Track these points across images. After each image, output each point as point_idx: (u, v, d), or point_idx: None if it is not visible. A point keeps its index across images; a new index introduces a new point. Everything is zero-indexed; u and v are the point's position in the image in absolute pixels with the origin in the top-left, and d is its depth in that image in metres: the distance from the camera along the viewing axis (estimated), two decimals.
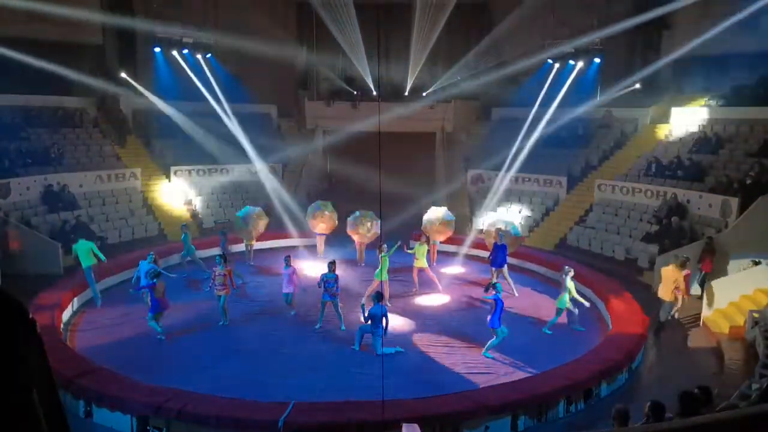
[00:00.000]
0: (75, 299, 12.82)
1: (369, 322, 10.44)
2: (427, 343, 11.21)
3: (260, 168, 21.13)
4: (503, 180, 20.31)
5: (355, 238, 16.44)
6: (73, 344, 10.79)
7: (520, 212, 19.79)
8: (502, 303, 10.28)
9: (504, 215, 18.63)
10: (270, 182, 20.76)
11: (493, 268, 13.90)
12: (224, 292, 11.69)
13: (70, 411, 8.30)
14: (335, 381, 9.56)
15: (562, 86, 20.88)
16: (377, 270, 12.75)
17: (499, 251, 13.80)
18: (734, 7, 16.76)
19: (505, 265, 13.91)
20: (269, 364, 10.20)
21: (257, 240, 16.86)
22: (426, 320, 12.43)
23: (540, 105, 21.15)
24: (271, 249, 17.76)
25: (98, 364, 9.36)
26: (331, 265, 11.76)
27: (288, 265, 12.46)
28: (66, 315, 12.09)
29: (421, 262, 13.97)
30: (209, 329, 11.70)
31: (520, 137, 20.41)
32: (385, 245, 13.00)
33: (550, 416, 8.66)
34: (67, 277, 13.96)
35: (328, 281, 11.56)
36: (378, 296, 10.53)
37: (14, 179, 16.39)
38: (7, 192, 16.04)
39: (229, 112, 21.31)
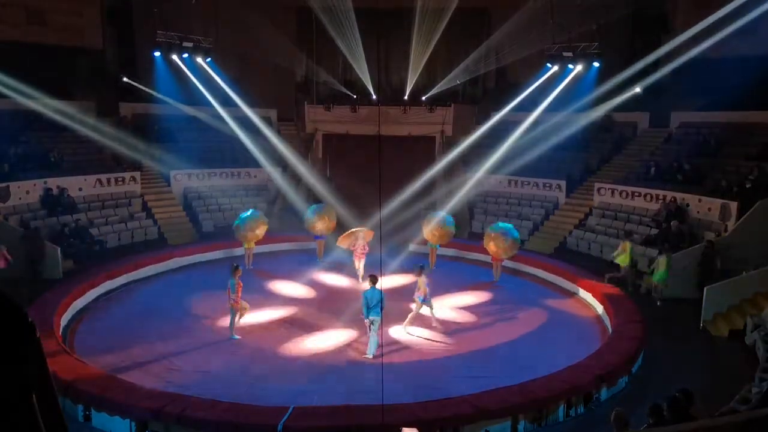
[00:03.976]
0: (74, 303, 12.79)
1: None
2: (427, 347, 11.19)
3: (270, 171, 21.27)
4: (502, 183, 20.25)
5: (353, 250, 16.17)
6: (72, 348, 10.76)
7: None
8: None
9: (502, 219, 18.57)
10: (273, 185, 20.76)
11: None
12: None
13: (69, 415, 8.27)
14: (334, 385, 9.53)
15: (562, 90, 20.86)
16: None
17: None
18: (734, 11, 16.77)
19: None
20: (268, 368, 10.17)
21: (256, 244, 16.81)
22: (425, 324, 12.40)
23: (539, 109, 21.15)
24: (270, 253, 17.72)
25: (97, 368, 9.34)
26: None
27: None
28: (65, 319, 12.06)
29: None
30: (208, 333, 11.68)
31: (518, 140, 20.40)
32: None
33: (550, 420, 8.65)
34: (67, 280, 13.92)
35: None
36: (372, 279, 10.48)
37: (14, 183, 16.35)
38: (6, 196, 16.02)
39: (225, 115, 21.36)
